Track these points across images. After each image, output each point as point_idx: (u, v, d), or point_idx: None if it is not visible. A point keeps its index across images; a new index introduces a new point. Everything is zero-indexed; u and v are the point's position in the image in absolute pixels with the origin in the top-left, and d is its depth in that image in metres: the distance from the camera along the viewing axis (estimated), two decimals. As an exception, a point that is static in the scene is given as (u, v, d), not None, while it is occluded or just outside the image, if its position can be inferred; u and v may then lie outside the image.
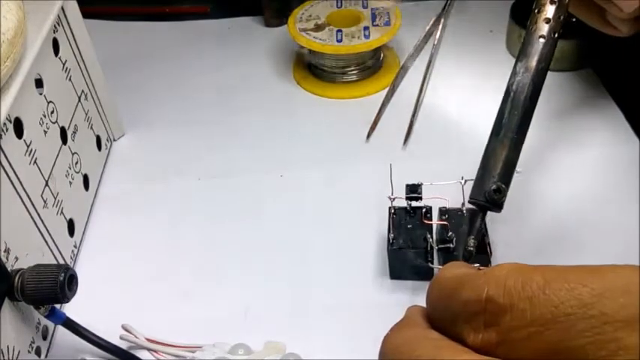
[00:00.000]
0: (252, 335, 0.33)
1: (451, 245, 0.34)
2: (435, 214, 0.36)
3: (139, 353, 0.33)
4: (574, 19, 0.50)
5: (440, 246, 0.34)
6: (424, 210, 0.36)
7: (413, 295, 0.35)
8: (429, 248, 0.34)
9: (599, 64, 0.50)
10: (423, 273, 0.35)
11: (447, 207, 0.36)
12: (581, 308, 0.16)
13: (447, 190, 0.36)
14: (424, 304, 0.22)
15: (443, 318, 0.20)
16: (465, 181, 0.36)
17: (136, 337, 0.33)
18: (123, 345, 0.33)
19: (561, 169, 0.42)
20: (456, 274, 0.21)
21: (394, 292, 0.36)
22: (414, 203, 0.36)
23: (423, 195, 0.36)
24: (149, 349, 0.33)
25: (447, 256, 0.34)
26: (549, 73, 0.49)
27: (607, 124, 0.45)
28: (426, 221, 0.36)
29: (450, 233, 0.34)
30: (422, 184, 0.36)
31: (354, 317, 0.34)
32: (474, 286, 0.19)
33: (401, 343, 0.20)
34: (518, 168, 0.32)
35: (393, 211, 0.36)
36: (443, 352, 0.18)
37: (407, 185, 0.36)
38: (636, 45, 0.47)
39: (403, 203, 0.36)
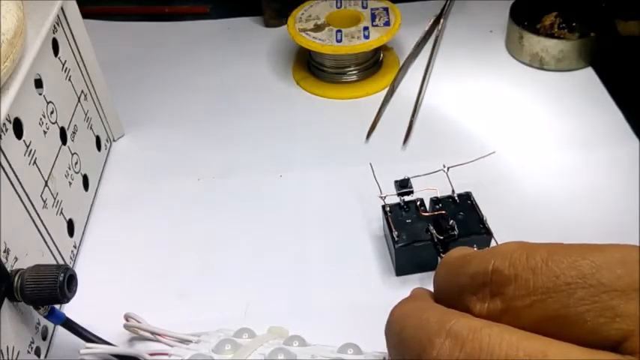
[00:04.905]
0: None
1: (455, 232, 0.34)
2: (427, 205, 0.37)
3: (142, 344, 0.33)
4: (574, 24, 0.50)
5: (445, 235, 0.34)
6: (417, 203, 0.36)
7: (422, 283, 0.35)
8: (435, 239, 0.34)
9: (599, 64, 0.50)
10: (431, 264, 0.35)
11: (438, 196, 0.36)
12: (581, 278, 0.17)
13: (433, 181, 0.36)
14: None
15: (449, 294, 0.21)
16: (448, 168, 0.37)
17: (139, 322, 0.33)
18: (125, 339, 0.33)
19: (561, 169, 0.42)
20: (463, 253, 0.22)
21: (402, 288, 0.36)
22: (406, 198, 0.37)
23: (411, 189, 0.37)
24: (153, 333, 0.33)
25: (453, 243, 0.34)
26: (549, 73, 0.50)
27: (607, 124, 0.45)
28: (423, 214, 0.36)
29: (451, 221, 0.34)
30: (409, 178, 0.37)
31: (360, 316, 0.34)
32: (481, 261, 0.20)
33: (408, 311, 0.21)
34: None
35: (388, 209, 0.36)
36: (450, 316, 0.19)
37: (396, 181, 0.37)
38: (636, 45, 0.47)
39: (395, 200, 0.37)
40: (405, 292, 0.25)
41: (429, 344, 0.19)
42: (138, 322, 0.33)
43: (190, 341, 0.32)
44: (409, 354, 0.20)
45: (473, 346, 0.18)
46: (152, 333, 0.33)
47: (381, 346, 0.23)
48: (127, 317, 0.33)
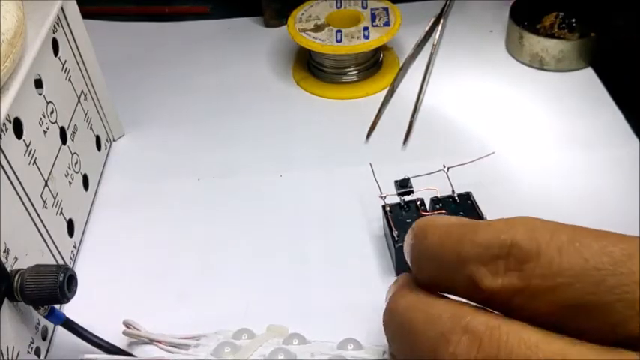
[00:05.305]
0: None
1: None
2: (427, 205, 0.37)
3: (141, 348, 0.33)
4: (574, 20, 0.50)
5: None
6: (418, 203, 0.36)
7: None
8: None
9: (599, 64, 0.50)
10: None
11: (438, 196, 0.36)
12: (612, 265, 0.16)
13: (433, 181, 0.36)
14: None
15: (443, 264, 0.20)
16: (448, 168, 0.37)
17: (138, 329, 0.33)
18: (124, 340, 0.33)
19: (561, 169, 0.42)
20: (460, 221, 0.20)
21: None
22: (407, 198, 0.37)
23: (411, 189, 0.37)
24: (152, 340, 0.33)
25: None
26: (549, 73, 0.50)
27: (607, 124, 0.45)
28: (423, 213, 0.36)
29: None
30: (409, 178, 0.37)
31: (360, 316, 0.34)
32: (495, 230, 0.18)
33: (414, 304, 0.20)
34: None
35: (388, 209, 0.36)
36: (463, 311, 0.18)
37: (396, 181, 0.37)
38: (636, 45, 0.47)
39: (395, 200, 0.37)
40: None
41: (444, 340, 0.18)
42: (137, 329, 0.33)
43: (190, 345, 0.32)
44: (419, 349, 0.19)
45: (490, 345, 0.17)
46: (151, 340, 0.33)
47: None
48: (125, 324, 0.33)
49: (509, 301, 0.18)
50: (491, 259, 0.18)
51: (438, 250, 0.20)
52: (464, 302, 0.19)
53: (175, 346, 0.32)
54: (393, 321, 0.21)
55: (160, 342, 0.33)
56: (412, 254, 0.22)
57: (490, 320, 0.17)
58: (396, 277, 0.36)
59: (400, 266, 0.36)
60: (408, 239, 0.23)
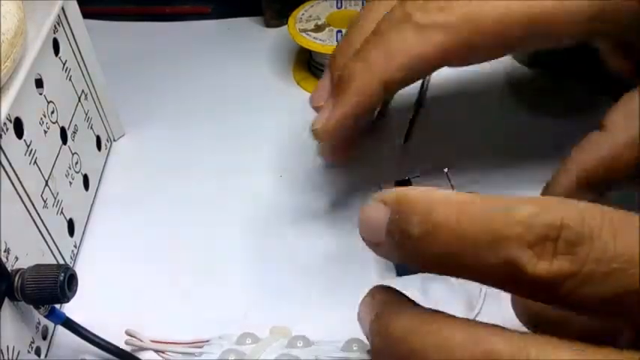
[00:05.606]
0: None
1: None
2: None
3: (143, 354, 0.33)
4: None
5: None
6: None
7: (423, 285, 0.35)
8: None
9: (599, 64, 0.50)
10: None
11: None
12: None
13: (434, 181, 0.36)
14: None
15: (465, 248, 0.17)
16: (448, 168, 0.37)
17: (141, 340, 0.33)
18: (126, 347, 0.33)
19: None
20: (468, 197, 0.18)
21: (402, 288, 0.35)
22: None
23: None
24: (156, 351, 0.33)
25: None
26: (549, 73, 0.50)
27: (607, 125, 0.45)
28: None
29: None
30: (410, 178, 0.37)
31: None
32: (538, 209, 0.17)
33: (417, 327, 0.19)
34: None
35: None
36: (478, 332, 0.17)
37: (396, 182, 0.37)
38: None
39: None
40: (406, 293, 0.24)
41: None
42: (139, 339, 0.33)
43: (193, 354, 0.32)
44: None
45: None
46: (155, 350, 0.33)
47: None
48: (128, 333, 0.33)
49: (557, 288, 0.16)
50: (537, 240, 0.16)
51: (455, 230, 0.18)
52: (473, 321, 0.18)
53: (179, 353, 0.32)
54: (392, 347, 0.19)
55: (163, 352, 0.33)
56: (400, 233, 0.19)
57: (514, 343, 0.16)
58: (396, 278, 0.36)
59: (400, 266, 0.36)
60: (376, 214, 0.21)
